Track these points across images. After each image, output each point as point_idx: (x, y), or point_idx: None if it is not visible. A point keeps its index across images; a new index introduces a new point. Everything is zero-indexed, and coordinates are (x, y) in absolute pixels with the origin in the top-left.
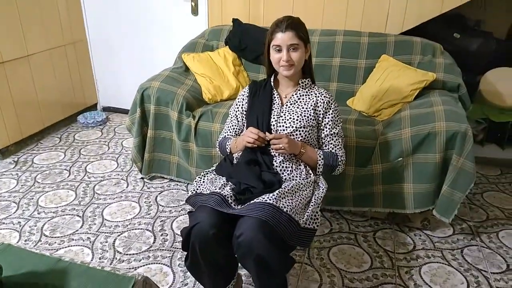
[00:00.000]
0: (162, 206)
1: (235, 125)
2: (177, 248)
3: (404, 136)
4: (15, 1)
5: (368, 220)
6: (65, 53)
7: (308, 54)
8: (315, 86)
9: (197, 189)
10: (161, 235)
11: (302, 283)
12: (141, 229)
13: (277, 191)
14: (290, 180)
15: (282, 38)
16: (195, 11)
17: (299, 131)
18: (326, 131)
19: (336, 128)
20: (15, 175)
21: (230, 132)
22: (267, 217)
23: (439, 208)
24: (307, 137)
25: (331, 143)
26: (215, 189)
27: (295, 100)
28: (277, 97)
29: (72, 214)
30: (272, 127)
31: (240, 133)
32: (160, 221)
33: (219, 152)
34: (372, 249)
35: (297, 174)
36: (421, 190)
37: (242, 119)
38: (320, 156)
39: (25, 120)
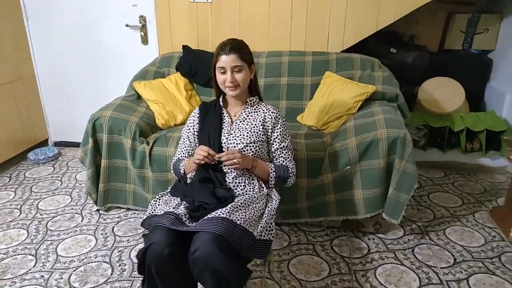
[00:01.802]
0: (119, 236)
1: (188, 146)
2: (136, 277)
3: (350, 145)
4: None
5: (325, 230)
6: (12, 89)
7: (253, 73)
8: (263, 103)
9: (152, 211)
10: (119, 265)
11: None
12: (98, 261)
13: (230, 205)
14: (244, 195)
15: (226, 60)
16: (145, 40)
17: (250, 146)
18: (276, 145)
19: (285, 142)
20: None
21: (183, 153)
22: (221, 231)
23: (388, 210)
24: (258, 152)
25: (282, 156)
26: (169, 209)
27: (244, 118)
28: (227, 116)
29: (24, 254)
30: (223, 144)
31: (193, 153)
32: (118, 252)
33: (173, 174)
34: (329, 256)
35: (250, 188)
36: (370, 195)
37: (194, 140)
38: (271, 169)
39: None
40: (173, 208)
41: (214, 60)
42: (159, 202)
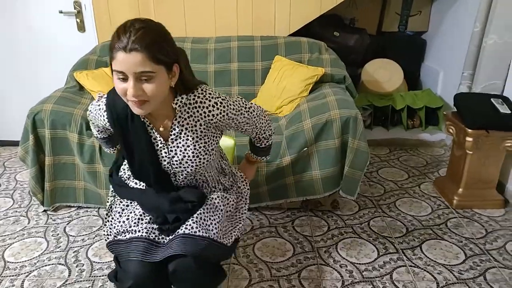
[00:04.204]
0: (73, 236)
1: (106, 130)
2: (97, 276)
3: (306, 127)
4: None
5: (285, 211)
6: None
7: (177, 74)
8: (196, 98)
9: (111, 229)
10: (76, 266)
11: (232, 283)
12: (52, 264)
13: (201, 213)
14: (212, 192)
15: (125, 61)
16: (81, 27)
17: (205, 163)
18: (242, 130)
19: (252, 119)
20: None
21: (101, 128)
22: (199, 252)
23: (344, 188)
24: (213, 155)
25: (261, 133)
26: (133, 229)
27: (180, 131)
28: (155, 131)
29: None
30: (167, 170)
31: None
32: (73, 252)
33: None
34: (292, 237)
35: (218, 183)
36: (327, 175)
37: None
38: (262, 159)
39: None
40: (137, 226)
41: (110, 54)
42: (112, 214)
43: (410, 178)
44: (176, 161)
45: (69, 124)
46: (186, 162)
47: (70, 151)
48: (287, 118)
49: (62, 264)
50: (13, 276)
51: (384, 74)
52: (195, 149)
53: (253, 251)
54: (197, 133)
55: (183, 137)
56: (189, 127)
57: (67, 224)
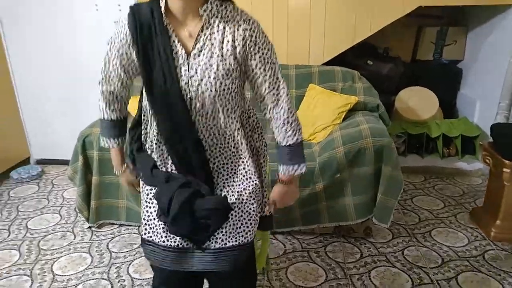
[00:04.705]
0: (115, 252)
1: (122, 76)
2: None
3: (339, 154)
4: None
5: (318, 237)
6: None
7: None
8: (229, 8)
9: (147, 229)
10: (118, 281)
11: None
12: (96, 278)
13: (229, 222)
14: (235, 192)
15: None
16: None
17: (224, 94)
18: (261, 88)
19: (273, 80)
20: None
21: (114, 83)
22: (232, 265)
23: (377, 215)
24: (234, 96)
25: (277, 112)
26: (161, 235)
27: (204, 43)
28: (178, 44)
29: (18, 275)
30: (183, 91)
31: (130, 84)
32: (116, 268)
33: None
34: (325, 263)
35: (237, 179)
36: (360, 201)
37: (135, 71)
38: (299, 169)
39: None
40: (167, 234)
41: None
42: (150, 211)
43: (446, 207)
44: (195, 81)
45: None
46: (205, 85)
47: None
48: (320, 145)
49: (105, 279)
50: None
51: (418, 101)
52: (217, 69)
53: (286, 275)
54: (222, 52)
55: (207, 53)
56: (215, 42)
57: (110, 240)
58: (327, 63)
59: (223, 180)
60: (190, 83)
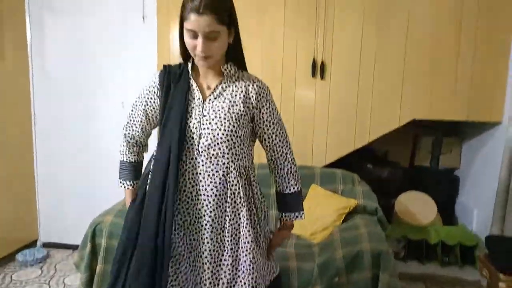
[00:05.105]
0: None
1: (144, 122)
2: None
3: (338, 256)
4: None
5: None
6: (10, 187)
7: (233, 37)
8: (245, 72)
9: None
10: None
11: None
12: None
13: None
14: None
15: (197, 22)
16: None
17: (231, 135)
18: (267, 136)
19: (278, 130)
20: None
21: (136, 128)
22: None
23: None
24: (241, 142)
25: (279, 159)
26: None
27: (220, 93)
28: (197, 91)
29: None
30: (193, 129)
31: (149, 132)
32: None
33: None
34: None
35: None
36: None
37: (154, 117)
38: (300, 216)
39: None
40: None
41: (182, 14)
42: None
43: None
44: (207, 120)
45: None
46: (216, 124)
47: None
48: (319, 246)
49: None
50: None
51: (417, 206)
52: (228, 112)
53: None
54: (234, 100)
55: (221, 99)
56: (230, 92)
57: None
58: (330, 165)
59: (216, 235)
60: (202, 122)
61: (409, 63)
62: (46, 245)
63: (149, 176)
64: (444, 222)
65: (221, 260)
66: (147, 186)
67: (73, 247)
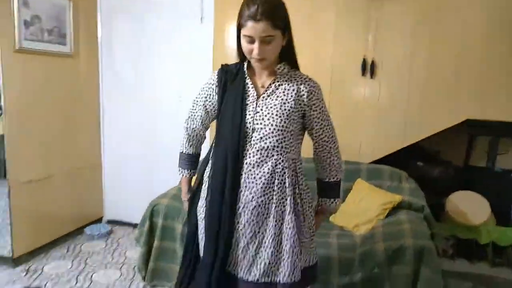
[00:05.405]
0: None
1: (203, 116)
2: None
3: (379, 249)
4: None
5: None
6: (81, 174)
7: (286, 39)
8: (298, 72)
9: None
10: None
11: None
12: None
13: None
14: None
15: (254, 28)
16: None
17: (282, 130)
18: (315, 132)
19: (326, 128)
20: (26, 284)
21: (197, 122)
22: None
23: None
24: (291, 137)
25: (325, 150)
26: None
27: (273, 90)
28: (252, 88)
29: None
30: (248, 125)
31: (207, 125)
32: None
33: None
34: None
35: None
36: None
37: (213, 111)
38: (334, 202)
39: (39, 232)
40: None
41: (240, 21)
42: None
43: None
44: (260, 116)
45: (178, 217)
46: (268, 120)
47: (174, 239)
48: (362, 237)
49: None
50: None
51: (469, 206)
52: (280, 108)
53: None
54: (286, 97)
55: (274, 97)
56: (282, 90)
57: None
58: (377, 161)
59: (262, 219)
60: (255, 117)
61: (463, 62)
62: (110, 222)
63: (211, 162)
64: (499, 224)
65: (264, 243)
66: (209, 171)
67: (133, 225)
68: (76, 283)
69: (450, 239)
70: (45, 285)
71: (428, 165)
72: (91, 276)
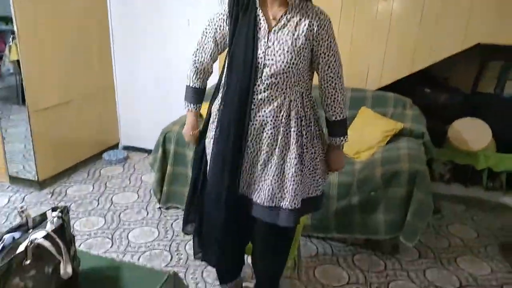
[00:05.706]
0: (177, 231)
1: (213, 49)
2: (190, 265)
3: (377, 174)
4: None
5: (348, 246)
6: (96, 99)
7: None
8: (309, 3)
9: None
10: (177, 254)
11: None
12: (160, 249)
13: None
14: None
15: None
16: None
17: (292, 67)
18: (322, 66)
19: (333, 63)
20: (52, 204)
21: (205, 54)
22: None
23: (404, 234)
24: (300, 72)
25: (330, 86)
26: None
27: (284, 23)
28: (263, 20)
29: (103, 237)
30: (259, 59)
31: (215, 58)
32: (176, 244)
33: (190, 75)
34: (349, 268)
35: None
36: (391, 219)
37: (223, 44)
38: (344, 139)
39: (60, 157)
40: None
41: None
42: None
43: (478, 238)
44: (271, 51)
45: (189, 144)
46: (280, 56)
47: (186, 164)
48: (362, 164)
49: (167, 251)
50: (133, 252)
51: (471, 132)
52: (291, 45)
53: (314, 272)
54: (298, 32)
55: (285, 31)
56: (293, 24)
57: (174, 221)
58: (384, 88)
59: (270, 149)
60: (267, 52)
61: None
62: (126, 148)
63: (220, 95)
64: (501, 151)
65: (269, 170)
66: (218, 104)
67: (148, 151)
68: (98, 204)
69: (448, 164)
70: (70, 206)
71: (436, 91)
72: (111, 198)
